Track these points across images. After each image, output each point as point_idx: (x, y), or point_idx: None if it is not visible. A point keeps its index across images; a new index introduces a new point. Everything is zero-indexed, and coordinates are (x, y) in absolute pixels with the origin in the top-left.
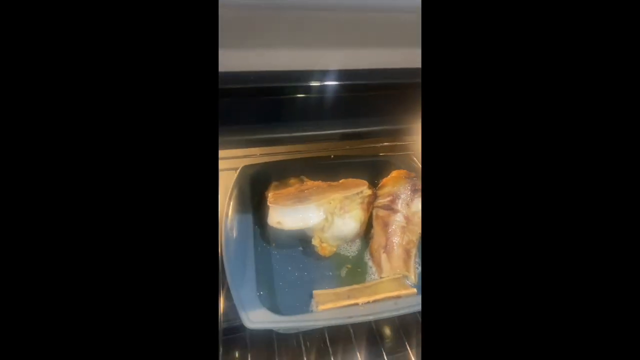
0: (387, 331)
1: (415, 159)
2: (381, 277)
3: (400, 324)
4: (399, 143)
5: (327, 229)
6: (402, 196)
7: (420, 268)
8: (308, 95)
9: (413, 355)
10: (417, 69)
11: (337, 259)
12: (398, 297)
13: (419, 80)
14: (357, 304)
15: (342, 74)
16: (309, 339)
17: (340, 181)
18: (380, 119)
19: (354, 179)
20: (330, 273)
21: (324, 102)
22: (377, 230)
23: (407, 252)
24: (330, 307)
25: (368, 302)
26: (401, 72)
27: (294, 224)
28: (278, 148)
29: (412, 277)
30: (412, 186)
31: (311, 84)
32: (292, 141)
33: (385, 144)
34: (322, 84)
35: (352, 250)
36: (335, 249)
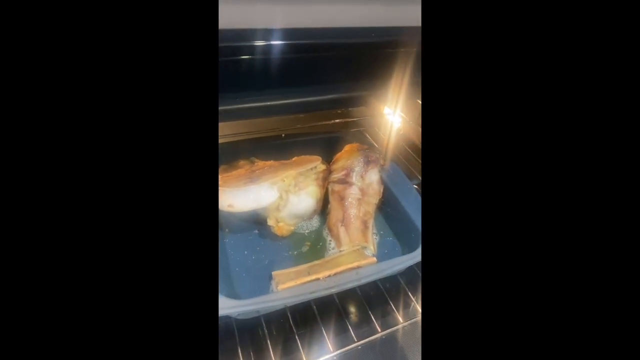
0: (352, 306)
1: (367, 134)
2: (340, 251)
3: (363, 296)
4: (349, 119)
5: (283, 208)
6: (356, 169)
7: (378, 238)
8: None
9: (378, 326)
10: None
11: (296, 238)
12: (359, 267)
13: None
14: (318, 279)
15: (295, 33)
16: (270, 323)
17: (293, 159)
18: (338, 85)
19: (307, 156)
20: (290, 253)
21: (274, 66)
22: (333, 204)
23: (365, 224)
24: (290, 285)
25: (329, 276)
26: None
27: (247, 206)
28: (223, 129)
29: (371, 247)
30: (364, 158)
31: (256, 44)
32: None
33: (337, 120)
34: (268, 43)
35: (311, 227)
36: (293, 228)
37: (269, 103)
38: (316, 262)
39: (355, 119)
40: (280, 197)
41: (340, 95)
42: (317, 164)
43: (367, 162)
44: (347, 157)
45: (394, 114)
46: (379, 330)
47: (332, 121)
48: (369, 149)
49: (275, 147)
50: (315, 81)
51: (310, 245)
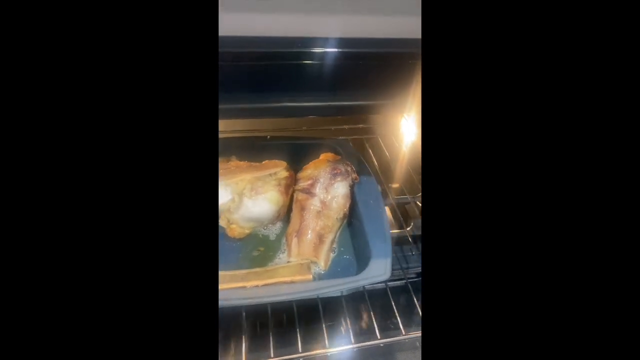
0: (279, 315)
1: (367, 144)
2: (288, 262)
3: (297, 306)
4: (356, 126)
5: (235, 210)
6: (322, 180)
7: (335, 254)
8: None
9: (299, 335)
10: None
11: (252, 241)
12: (292, 282)
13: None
14: (244, 287)
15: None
16: None
17: (263, 162)
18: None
19: (275, 160)
20: (240, 255)
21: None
22: (294, 213)
23: (320, 238)
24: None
25: (256, 286)
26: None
27: None
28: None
29: (322, 263)
30: (332, 170)
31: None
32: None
33: (341, 127)
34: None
35: (272, 232)
36: (248, 231)
37: (269, 105)
38: (257, 269)
39: (360, 126)
40: (233, 200)
41: (347, 103)
42: (278, 169)
43: (334, 175)
44: (315, 167)
45: (402, 127)
46: (300, 351)
47: (333, 127)
48: (341, 160)
49: (258, 148)
50: (323, 88)
51: (262, 251)
